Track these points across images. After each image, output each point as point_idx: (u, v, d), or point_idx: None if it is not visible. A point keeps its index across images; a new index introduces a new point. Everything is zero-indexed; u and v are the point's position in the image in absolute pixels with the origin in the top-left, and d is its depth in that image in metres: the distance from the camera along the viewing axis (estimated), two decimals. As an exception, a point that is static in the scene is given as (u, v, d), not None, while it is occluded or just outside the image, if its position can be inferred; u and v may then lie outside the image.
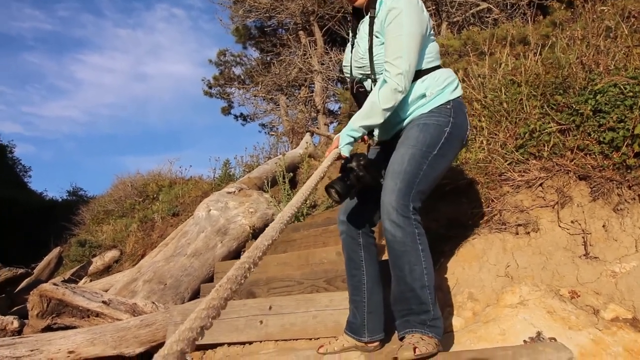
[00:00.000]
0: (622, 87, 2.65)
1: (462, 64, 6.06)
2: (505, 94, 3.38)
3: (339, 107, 13.62)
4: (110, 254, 7.30)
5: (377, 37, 1.93)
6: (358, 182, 1.90)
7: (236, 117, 15.87)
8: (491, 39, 6.36)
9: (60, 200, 19.13)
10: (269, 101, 14.40)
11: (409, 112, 1.98)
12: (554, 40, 4.19)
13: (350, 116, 7.40)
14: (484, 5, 9.51)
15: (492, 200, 2.72)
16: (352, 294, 2.07)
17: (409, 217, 1.77)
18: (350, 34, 2.13)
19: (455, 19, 9.65)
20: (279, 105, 13.76)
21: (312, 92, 13.07)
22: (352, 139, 1.92)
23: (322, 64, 12.21)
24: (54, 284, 3.13)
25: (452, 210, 2.79)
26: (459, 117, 1.96)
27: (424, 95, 1.95)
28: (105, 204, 10.36)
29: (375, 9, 1.95)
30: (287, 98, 13.65)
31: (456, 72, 3.61)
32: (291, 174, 5.68)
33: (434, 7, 9.54)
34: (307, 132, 10.49)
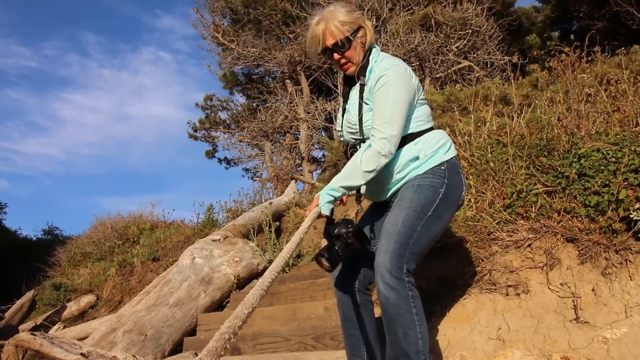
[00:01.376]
0: (604, 152, 2.75)
1: (446, 119, 6.24)
2: (491, 153, 3.47)
3: (324, 155, 13.78)
4: (86, 299, 7.07)
5: (366, 103, 1.99)
6: (346, 249, 1.89)
7: (220, 160, 15.92)
8: (474, 96, 6.59)
9: (34, 239, 18.57)
10: (254, 146, 14.49)
11: (403, 175, 2.00)
12: (536, 102, 4.37)
13: (335, 166, 7.43)
14: (466, 63, 9.90)
15: (482, 260, 2.74)
16: (351, 354, 2.04)
17: (402, 280, 1.76)
18: (341, 100, 2.19)
19: (437, 75, 9.99)
20: (263, 151, 13.84)
21: (297, 139, 13.23)
22: (332, 198, 1.92)
23: (308, 113, 12.42)
24: (32, 334, 2.99)
25: (443, 268, 2.81)
26: (454, 178, 1.98)
27: (417, 158, 1.97)
28: (83, 246, 10.10)
29: (365, 76, 2.01)
30: (272, 144, 13.76)
31: (441, 127, 3.71)
32: (277, 223, 5.66)
33: (417, 63, 9.88)
34: (291, 179, 10.54)
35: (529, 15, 12.55)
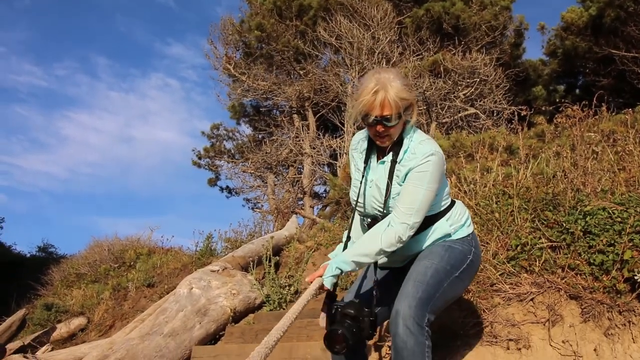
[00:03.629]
0: (610, 211, 2.78)
1: (451, 164, 6.30)
2: (496, 204, 3.50)
3: (326, 191, 13.83)
4: (77, 322, 6.97)
5: (399, 184, 1.94)
6: (356, 334, 1.79)
7: (222, 189, 15.92)
8: (480, 144, 6.67)
9: (28, 255, 18.42)
10: (257, 178, 14.54)
11: (430, 244, 2.02)
12: (541, 156, 4.42)
13: (338, 203, 7.41)
14: (472, 110, 10.05)
15: (484, 311, 2.73)
16: None
17: (423, 328, 1.77)
18: (362, 163, 2.09)
19: (444, 120, 10.14)
20: (266, 182, 13.89)
21: (301, 173, 13.29)
22: (340, 272, 1.87)
23: (313, 148, 12.53)
24: (24, 356, 2.96)
25: (444, 317, 2.78)
26: (478, 249, 2.06)
27: (449, 235, 2.02)
28: (78, 266, 10.03)
29: (397, 153, 1.95)
30: (275, 177, 13.81)
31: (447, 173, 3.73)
32: (277, 258, 5.63)
33: (424, 107, 10.04)
34: (292, 213, 10.54)
35: (536, 68, 12.81)
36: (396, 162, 1.94)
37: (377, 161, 2.04)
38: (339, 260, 1.88)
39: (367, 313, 1.81)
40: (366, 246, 1.89)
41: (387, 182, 1.95)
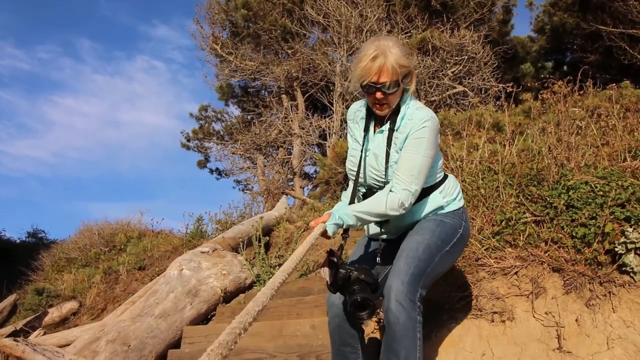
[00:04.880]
0: (592, 185, 2.82)
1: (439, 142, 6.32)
2: (482, 180, 3.53)
3: (316, 171, 13.83)
4: (69, 306, 6.97)
5: (397, 152, 1.95)
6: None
7: (211, 171, 15.86)
8: (467, 121, 6.69)
9: (18, 241, 18.33)
10: (246, 159, 14.50)
11: (423, 216, 2.07)
12: (527, 132, 4.45)
13: (327, 183, 7.41)
14: (460, 88, 10.04)
15: (469, 285, 2.77)
16: None
17: (415, 303, 1.80)
18: (360, 132, 2.09)
19: (432, 99, 10.12)
20: (255, 164, 13.85)
21: (290, 154, 13.27)
22: (342, 222, 1.93)
23: (302, 128, 12.48)
24: (15, 340, 2.97)
25: (431, 292, 2.82)
26: (467, 223, 2.11)
27: (442, 207, 2.07)
28: (68, 251, 9.99)
29: (395, 122, 1.96)
30: (265, 158, 13.78)
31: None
32: (267, 238, 5.65)
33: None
34: (282, 193, 10.54)
35: (524, 45, 12.79)
36: (394, 130, 1.96)
37: (375, 131, 2.05)
38: (343, 212, 1.93)
39: (375, 281, 1.85)
40: (371, 206, 1.92)
41: (386, 149, 1.96)
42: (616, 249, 2.45)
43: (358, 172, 2.06)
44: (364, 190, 2.09)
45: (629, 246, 2.41)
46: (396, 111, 1.97)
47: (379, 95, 1.89)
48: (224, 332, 0.98)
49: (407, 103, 1.98)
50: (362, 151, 2.06)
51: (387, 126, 1.99)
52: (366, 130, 2.07)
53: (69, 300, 7.22)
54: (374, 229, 2.16)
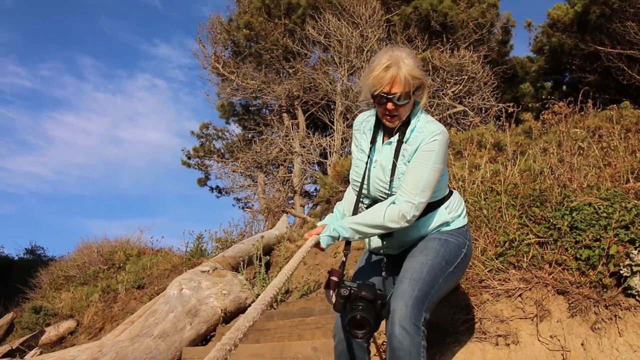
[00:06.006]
0: (596, 207, 2.81)
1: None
2: (484, 201, 3.52)
3: (316, 190, 13.82)
4: (66, 325, 6.91)
5: (405, 164, 1.92)
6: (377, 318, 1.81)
7: (212, 189, 15.88)
8: (468, 141, 6.71)
9: (16, 258, 18.21)
10: (247, 177, 14.51)
11: (428, 233, 2.03)
12: (529, 152, 4.46)
13: (328, 201, 7.40)
14: (461, 108, 10.10)
15: (473, 307, 2.74)
16: None
17: (419, 328, 1.76)
18: (367, 143, 2.06)
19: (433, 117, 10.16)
20: (256, 182, 13.86)
21: (291, 172, 13.29)
22: (337, 235, 1.89)
23: (303, 147, 12.53)
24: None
25: (434, 314, 2.79)
26: (470, 241, 2.08)
27: (447, 223, 2.03)
28: (67, 269, 9.93)
29: (405, 134, 1.93)
30: (266, 176, 13.79)
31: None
32: (267, 257, 5.62)
33: (414, 105, 10.05)
34: (283, 212, 10.52)
35: (523, 65, 12.90)
36: (403, 142, 1.92)
37: (383, 142, 2.01)
38: (338, 224, 1.89)
39: (379, 296, 1.81)
40: (368, 218, 1.88)
41: (393, 161, 1.93)
42: (621, 272, 2.43)
43: (362, 182, 2.02)
44: (368, 201, 2.04)
45: (634, 269, 2.39)
46: (406, 123, 1.94)
47: (390, 106, 1.86)
48: (213, 348, 0.97)
49: (418, 116, 1.95)
50: (367, 162, 2.02)
51: (395, 137, 1.96)
52: (373, 141, 2.04)
53: (66, 319, 7.16)
54: (375, 242, 2.12)
